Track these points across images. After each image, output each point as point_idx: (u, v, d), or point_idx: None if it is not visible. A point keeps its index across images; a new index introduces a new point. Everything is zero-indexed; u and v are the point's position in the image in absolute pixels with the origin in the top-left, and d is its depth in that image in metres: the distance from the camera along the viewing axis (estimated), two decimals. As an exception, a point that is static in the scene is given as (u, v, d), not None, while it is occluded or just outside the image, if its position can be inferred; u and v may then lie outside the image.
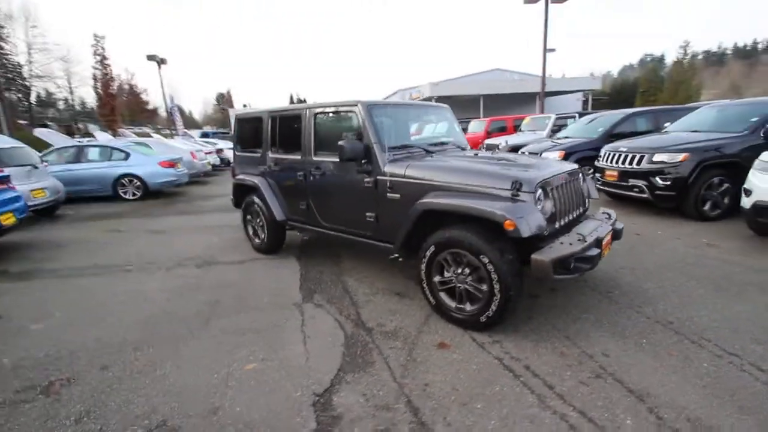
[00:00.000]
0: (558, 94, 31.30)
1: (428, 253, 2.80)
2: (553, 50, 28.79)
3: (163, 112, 51.56)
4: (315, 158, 3.76)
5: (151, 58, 21.95)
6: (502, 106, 29.75)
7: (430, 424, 1.90)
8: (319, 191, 3.79)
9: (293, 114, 4.04)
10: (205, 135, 23.87)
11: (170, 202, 8.99)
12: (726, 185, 5.22)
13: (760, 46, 74.45)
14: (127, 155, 8.87)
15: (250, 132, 4.68)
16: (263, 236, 4.58)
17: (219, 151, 15.67)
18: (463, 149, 3.93)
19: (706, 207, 5.25)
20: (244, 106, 40.77)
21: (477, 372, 2.29)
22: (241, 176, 4.76)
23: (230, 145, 18.80)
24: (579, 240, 2.59)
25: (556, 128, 10.76)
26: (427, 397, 2.10)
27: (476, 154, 3.34)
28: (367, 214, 3.36)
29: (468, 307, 2.70)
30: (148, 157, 9.06)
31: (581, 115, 10.79)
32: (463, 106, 31.56)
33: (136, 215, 7.54)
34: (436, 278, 2.84)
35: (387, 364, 2.40)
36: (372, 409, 2.04)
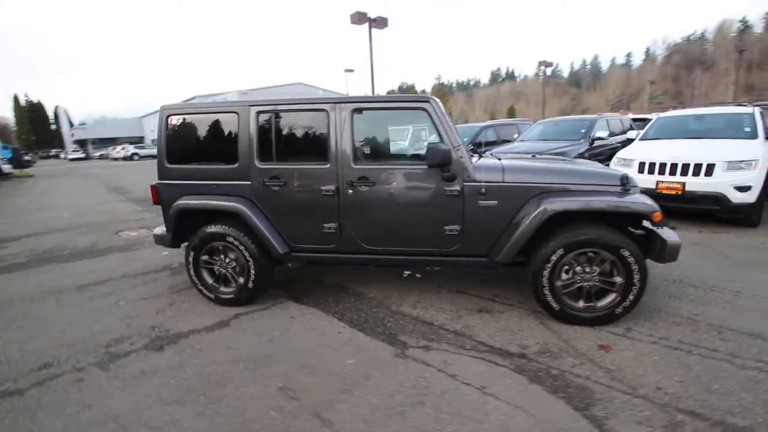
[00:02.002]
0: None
1: (554, 258, 2.69)
2: (352, 71, 31.76)
3: None
4: (357, 166, 2.96)
5: None
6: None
7: (730, 420, 1.87)
8: (363, 208, 3.01)
9: (308, 110, 3.06)
10: None
11: None
12: (578, 179, 7.10)
13: (472, 82, 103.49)
14: None
15: (207, 136, 3.25)
16: (242, 280, 3.26)
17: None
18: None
19: (571, 196, 7.00)
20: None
21: (664, 360, 2.37)
22: (191, 200, 3.23)
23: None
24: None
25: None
26: (680, 398, 2.04)
27: (533, 155, 3.40)
28: (447, 227, 2.91)
29: (598, 303, 2.75)
30: None
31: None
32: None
33: None
34: (559, 282, 2.76)
35: (600, 383, 2.18)
36: (663, 431, 1.83)
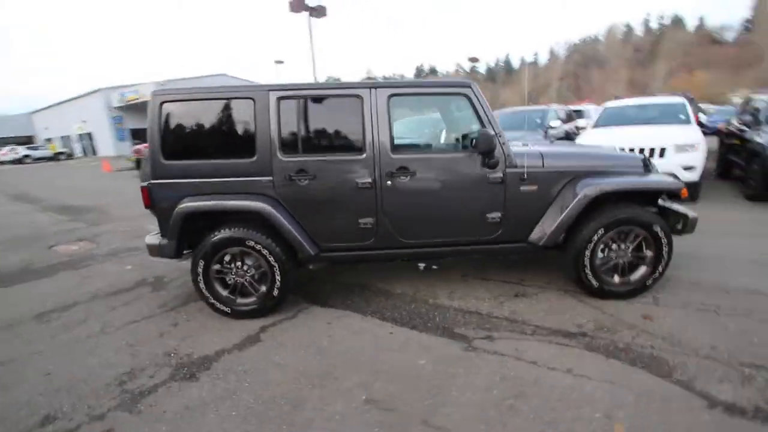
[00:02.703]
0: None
1: (595, 238, 2.81)
2: (282, 62, 30.42)
3: None
4: (396, 156, 2.78)
5: None
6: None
7: (789, 369, 2.10)
8: (403, 200, 2.84)
9: (339, 95, 2.79)
10: None
11: None
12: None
13: (398, 76, 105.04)
14: None
15: (215, 126, 2.81)
16: (265, 288, 2.90)
17: None
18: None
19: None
20: None
21: (702, 322, 2.60)
22: (202, 202, 2.77)
23: None
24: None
25: None
26: (735, 353, 2.24)
27: (551, 141, 3.49)
28: (490, 215, 2.89)
29: (632, 277, 2.93)
30: None
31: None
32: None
33: None
34: (597, 261, 2.89)
35: (665, 350, 2.32)
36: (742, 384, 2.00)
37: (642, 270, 2.93)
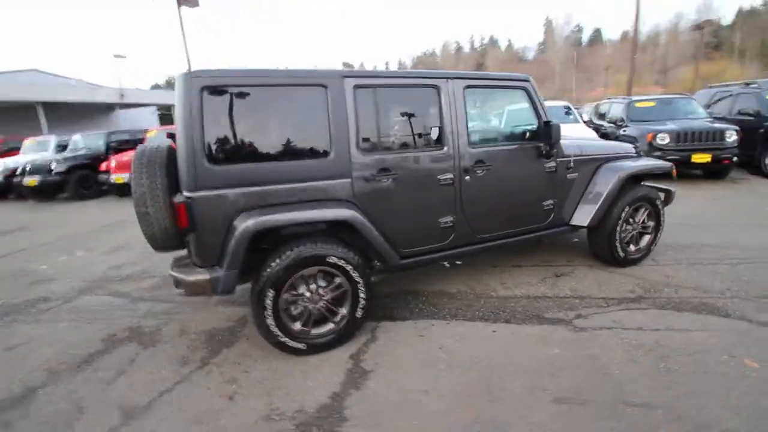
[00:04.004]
0: (135, 107, 27.96)
1: (623, 215, 3.26)
2: (123, 57, 25.67)
3: None
4: (474, 149, 2.70)
5: None
6: (64, 118, 23.09)
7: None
8: (480, 194, 2.79)
9: (417, 85, 2.55)
10: None
11: None
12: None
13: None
14: None
15: (278, 118, 2.23)
16: (346, 311, 2.47)
17: None
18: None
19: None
20: None
21: (702, 273, 3.29)
22: (277, 215, 2.18)
23: None
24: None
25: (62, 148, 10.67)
26: (746, 290, 2.92)
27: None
28: (545, 202, 3.08)
29: (642, 245, 3.50)
30: None
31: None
32: (4, 116, 21.28)
33: None
34: (623, 235, 3.36)
35: (704, 297, 2.86)
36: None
37: (647, 238, 3.53)
